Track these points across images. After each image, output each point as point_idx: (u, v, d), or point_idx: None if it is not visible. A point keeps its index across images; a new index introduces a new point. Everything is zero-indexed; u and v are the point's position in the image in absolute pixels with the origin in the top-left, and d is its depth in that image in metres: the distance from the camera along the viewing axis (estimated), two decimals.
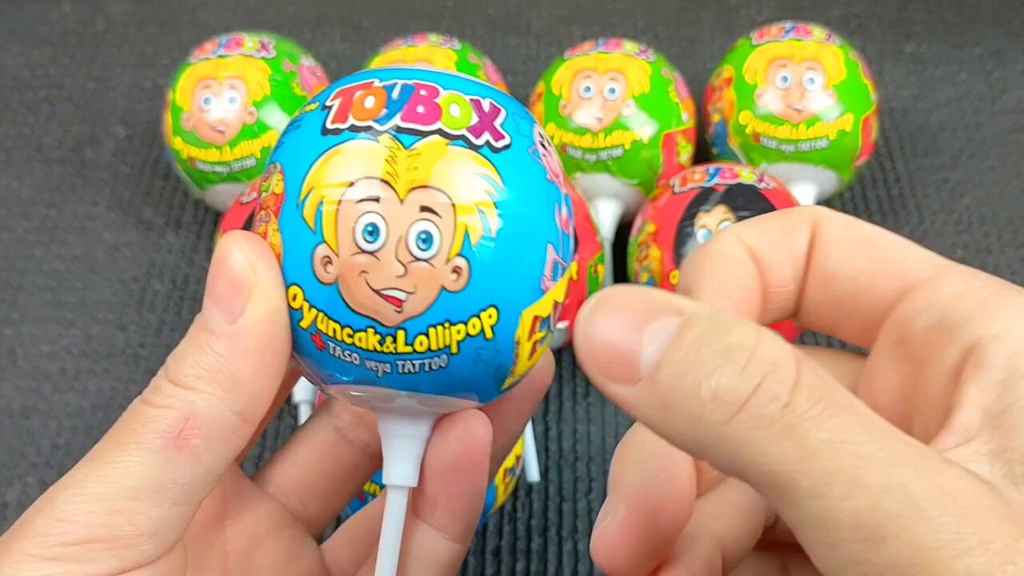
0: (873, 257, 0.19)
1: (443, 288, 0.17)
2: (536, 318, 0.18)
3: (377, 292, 0.17)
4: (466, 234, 0.17)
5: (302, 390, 0.37)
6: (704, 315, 0.15)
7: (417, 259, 0.17)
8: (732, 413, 0.14)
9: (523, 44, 0.53)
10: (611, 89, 0.41)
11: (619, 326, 0.15)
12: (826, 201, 0.45)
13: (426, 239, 0.17)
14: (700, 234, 0.36)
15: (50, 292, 0.43)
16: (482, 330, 0.18)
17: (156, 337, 0.41)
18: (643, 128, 0.41)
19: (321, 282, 0.17)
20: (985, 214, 0.45)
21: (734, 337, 0.14)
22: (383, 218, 0.17)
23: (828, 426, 0.14)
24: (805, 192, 0.42)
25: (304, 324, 0.18)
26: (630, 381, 0.15)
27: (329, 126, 0.18)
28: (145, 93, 0.51)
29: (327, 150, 0.17)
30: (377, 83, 0.18)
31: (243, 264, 0.17)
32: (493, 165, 0.18)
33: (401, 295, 0.17)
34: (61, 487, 0.17)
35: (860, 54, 0.44)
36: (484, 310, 0.18)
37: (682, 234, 0.36)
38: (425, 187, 0.17)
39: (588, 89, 0.41)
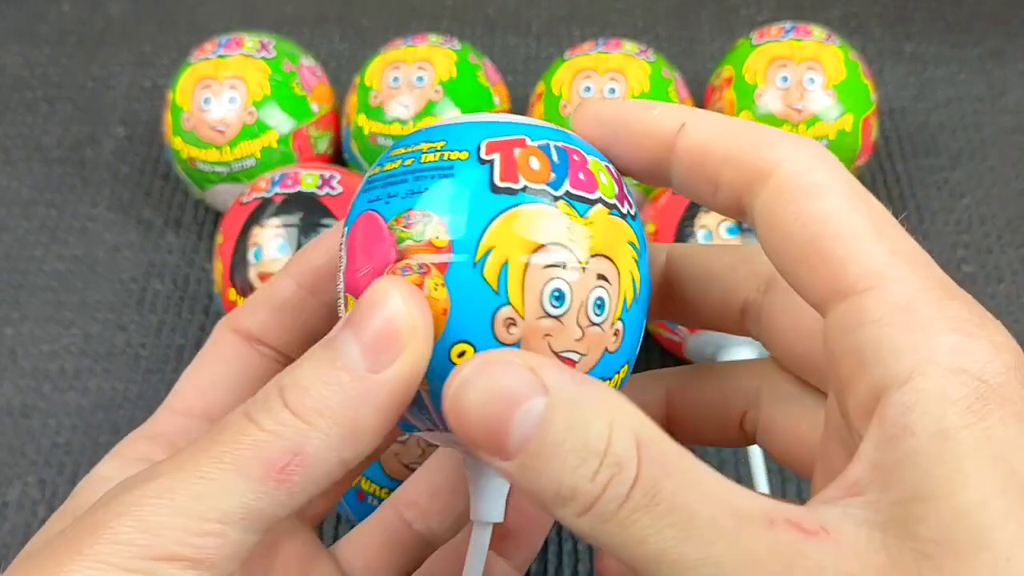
0: (812, 250, 0.17)
1: (605, 350, 0.19)
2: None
3: (557, 354, 0.18)
4: (624, 299, 0.19)
5: None
6: (566, 399, 0.16)
7: (592, 323, 0.18)
8: (583, 510, 0.15)
9: (523, 44, 0.53)
10: (611, 89, 0.41)
11: (488, 407, 0.16)
12: None
13: (600, 305, 0.18)
14: (700, 234, 0.36)
15: (50, 292, 0.43)
16: (618, 384, 0.20)
17: (156, 337, 0.41)
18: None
19: (501, 342, 0.18)
20: (985, 214, 0.45)
21: (591, 435, 0.15)
22: (568, 284, 0.18)
23: (656, 513, 0.15)
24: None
25: None
26: (504, 457, 0.16)
27: (499, 184, 0.18)
28: (145, 93, 0.51)
29: (505, 210, 0.17)
30: (529, 142, 0.18)
31: (404, 317, 0.17)
32: (635, 233, 0.19)
33: (576, 357, 0.18)
34: (149, 494, 0.16)
35: (860, 54, 0.44)
36: (621, 368, 0.19)
37: (682, 234, 0.36)
38: (599, 255, 0.18)
39: (588, 89, 0.41)
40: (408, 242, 0.18)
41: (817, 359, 0.21)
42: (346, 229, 0.19)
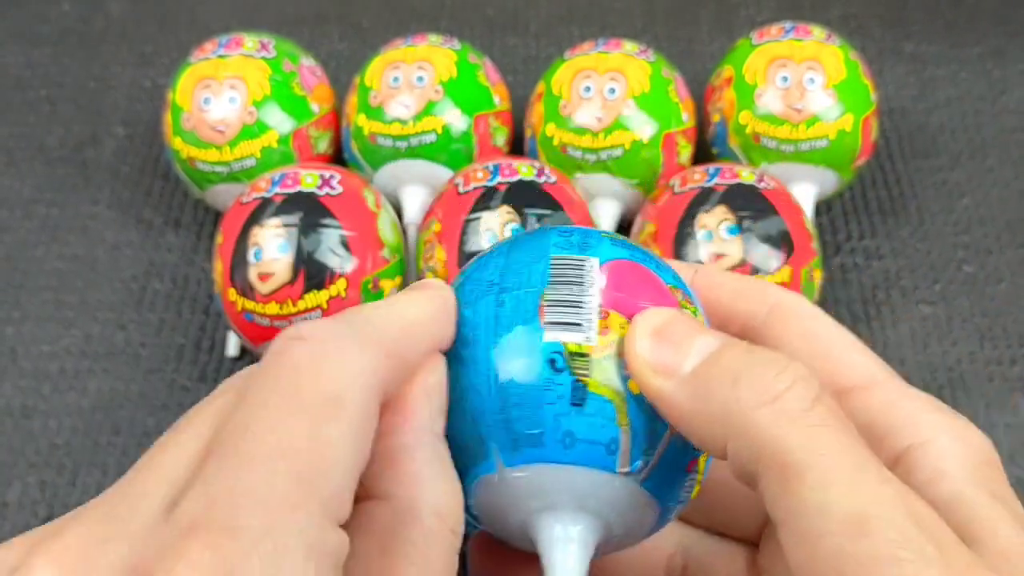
0: (814, 354, 0.21)
1: None
2: None
3: None
4: None
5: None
6: (741, 342, 0.18)
7: None
8: (764, 402, 0.17)
9: (523, 44, 0.53)
10: (611, 89, 0.41)
11: (673, 329, 0.19)
12: (826, 201, 0.45)
13: None
14: (700, 234, 0.36)
15: (51, 292, 0.43)
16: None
17: (156, 337, 0.41)
18: (643, 128, 0.41)
19: None
20: (985, 215, 0.45)
21: (769, 355, 0.17)
22: None
23: (839, 435, 0.16)
24: (805, 192, 0.42)
25: None
26: (670, 376, 0.18)
27: None
28: (145, 93, 0.51)
29: None
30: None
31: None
32: None
33: None
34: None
35: (860, 54, 0.44)
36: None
37: (682, 234, 0.36)
38: None
39: (588, 89, 0.41)
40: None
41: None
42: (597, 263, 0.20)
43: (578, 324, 0.19)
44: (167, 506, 0.15)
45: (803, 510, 0.16)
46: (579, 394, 0.19)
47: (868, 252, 0.44)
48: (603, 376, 0.19)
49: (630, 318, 0.19)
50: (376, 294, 0.36)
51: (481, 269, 0.21)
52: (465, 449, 0.20)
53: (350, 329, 0.18)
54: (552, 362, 0.19)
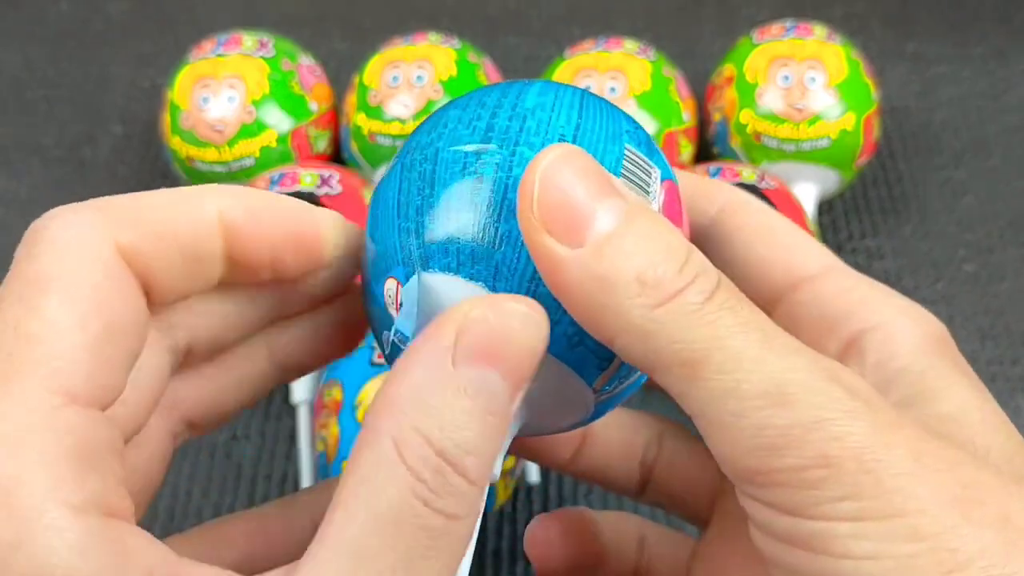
0: (770, 246, 0.21)
1: None
2: None
3: None
4: None
5: (300, 390, 0.36)
6: (647, 209, 0.16)
7: None
8: (664, 299, 0.16)
9: (523, 43, 0.53)
10: (611, 88, 0.41)
11: (579, 186, 0.16)
12: (827, 200, 0.45)
13: None
14: None
15: None
16: None
17: None
18: (644, 127, 0.41)
19: None
20: (987, 213, 0.45)
21: (674, 238, 0.16)
22: None
23: (741, 316, 0.16)
24: (806, 191, 0.41)
25: None
26: (573, 242, 0.16)
27: None
28: (143, 92, 0.51)
29: None
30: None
31: None
32: None
33: None
34: None
35: (862, 53, 0.43)
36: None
37: None
38: None
39: (589, 88, 0.41)
40: None
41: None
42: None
43: None
44: None
45: (713, 397, 0.16)
46: None
47: (870, 251, 0.44)
48: None
49: None
50: None
51: (548, 110, 0.18)
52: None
53: (88, 208, 0.17)
54: None
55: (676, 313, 0.15)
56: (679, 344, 0.15)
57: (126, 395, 0.17)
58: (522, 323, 0.16)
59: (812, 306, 0.20)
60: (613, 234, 0.16)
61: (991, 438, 0.18)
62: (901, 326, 0.19)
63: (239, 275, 0.19)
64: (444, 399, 0.15)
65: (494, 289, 0.17)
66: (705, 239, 0.22)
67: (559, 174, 0.16)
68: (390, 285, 0.18)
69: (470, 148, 0.18)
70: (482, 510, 0.17)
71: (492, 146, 0.18)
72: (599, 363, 0.18)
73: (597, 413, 0.20)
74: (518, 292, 0.17)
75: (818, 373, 0.16)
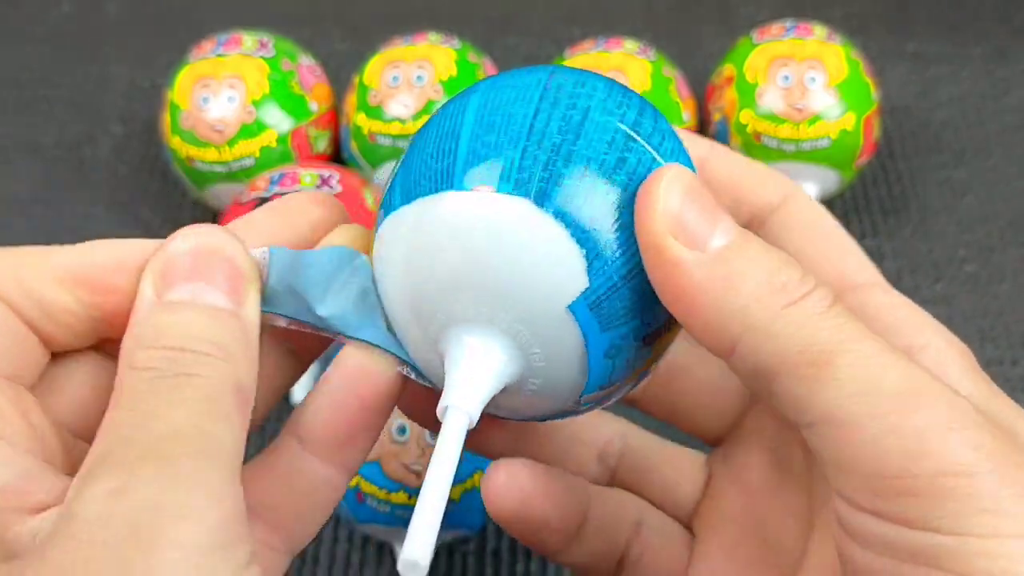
0: (823, 250, 0.21)
1: None
2: None
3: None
4: None
5: (301, 390, 0.36)
6: (756, 236, 0.17)
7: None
8: (793, 301, 0.16)
9: (523, 43, 0.53)
10: None
11: (700, 199, 0.17)
12: (828, 200, 0.45)
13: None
14: None
15: None
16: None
17: None
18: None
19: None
20: (988, 213, 0.45)
21: (788, 256, 0.17)
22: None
23: (862, 327, 0.16)
24: (806, 191, 0.41)
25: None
26: (696, 247, 0.16)
27: None
28: (143, 92, 0.51)
29: None
30: None
31: None
32: None
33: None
34: None
35: (862, 53, 0.43)
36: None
37: None
38: None
39: None
40: None
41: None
42: None
43: None
44: None
45: (847, 396, 0.15)
46: None
47: (870, 251, 0.44)
48: None
49: None
50: None
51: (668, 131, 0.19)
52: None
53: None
54: None
55: (805, 314, 0.16)
56: (809, 343, 0.16)
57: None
58: (203, 238, 0.17)
59: (860, 312, 0.20)
60: (735, 242, 0.17)
61: None
62: (948, 349, 0.19)
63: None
64: (159, 319, 0.17)
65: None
66: (764, 228, 0.22)
67: (682, 184, 0.17)
68: None
69: (623, 127, 0.18)
70: (251, 358, 0.17)
71: (641, 140, 0.18)
72: (607, 383, 0.18)
73: (539, 420, 0.20)
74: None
75: (940, 383, 0.16)
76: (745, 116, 0.41)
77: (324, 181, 0.37)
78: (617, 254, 0.17)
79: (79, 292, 0.18)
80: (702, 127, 0.45)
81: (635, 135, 0.18)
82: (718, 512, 0.23)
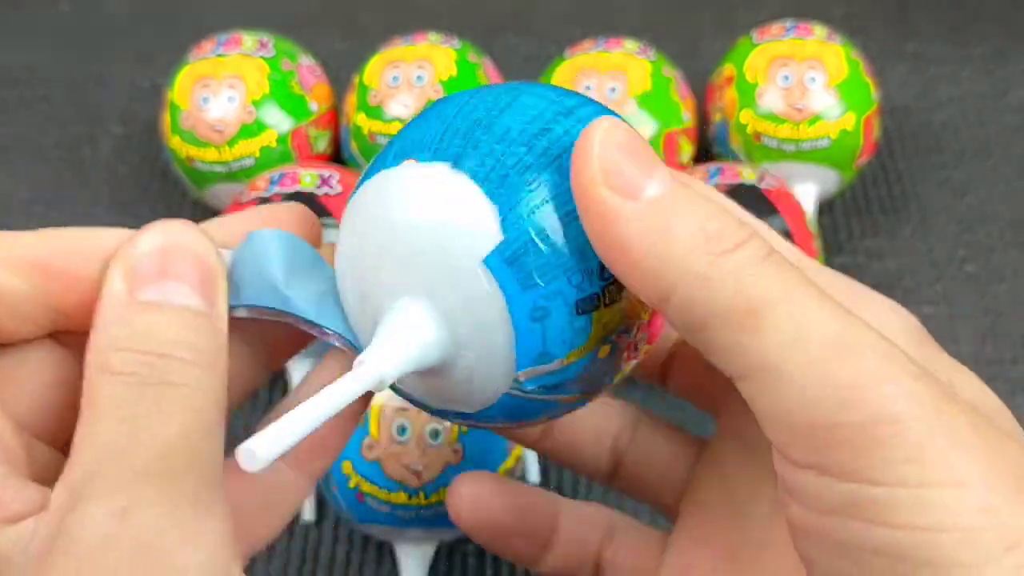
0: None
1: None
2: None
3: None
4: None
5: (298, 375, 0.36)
6: (696, 182, 0.17)
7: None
8: (730, 249, 0.16)
9: (523, 43, 0.53)
10: (612, 88, 0.41)
11: (636, 149, 0.16)
12: (827, 200, 0.45)
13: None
14: None
15: None
16: None
17: None
18: (644, 127, 0.41)
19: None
20: (988, 213, 0.45)
21: (725, 203, 0.17)
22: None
23: (798, 276, 0.16)
24: (806, 191, 0.41)
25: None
26: (630, 196, 0.16)
27: None
28: (143, 92, 0.51)
29: None
30: None
31: None
32: None
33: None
34: None
35: (862, 53, 0.43)
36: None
37: None
38: None
39: (589, 88, 0.41)
40: None
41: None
42: None
43: None
44: None
45: (780, 345, 0.15)
46: None
47: (870, 251, 0.44)
48: None
49: None
50: None
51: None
52: None
53: None
54: None
55: (741, 262, 0.16)
56: (743, 292, 0.15)
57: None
58: (174, 234, 0.17)
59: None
60: (672, 190, 0.16)
61: (1008, 424, 0.18)
62: (887, 315, 0.20)
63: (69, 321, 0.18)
64: (133, 320, 0.16)
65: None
66: None
67: (618, 135, 0.16)
68: None
69: (555, 108, 0.18)
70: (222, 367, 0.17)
71: (573, 119, 0.18)
72: (541, 354, 0.18)
73: (491, 412, 0.19)
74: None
75: (874, 333, 0.16)
76: (745, 116, 0.41)
77: (324, 181, 0.37)
78: (536, 209, 0.17)
79: (35, 278, 0.17)
80: (702, 127, 0.45)
81: (567, 114, 0.18)
82: (697, 499, 0.23)
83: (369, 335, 0.18)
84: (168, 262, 0.17)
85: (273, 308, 0.18)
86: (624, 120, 0.18)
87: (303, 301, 0.18)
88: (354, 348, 0.19)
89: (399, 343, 0.17)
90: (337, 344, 0.19)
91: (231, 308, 0.18)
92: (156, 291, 0.17)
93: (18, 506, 0.16)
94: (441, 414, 0.20)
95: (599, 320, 0.18)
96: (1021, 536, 0.14)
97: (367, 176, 0.19)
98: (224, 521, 0.16)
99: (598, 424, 0.25)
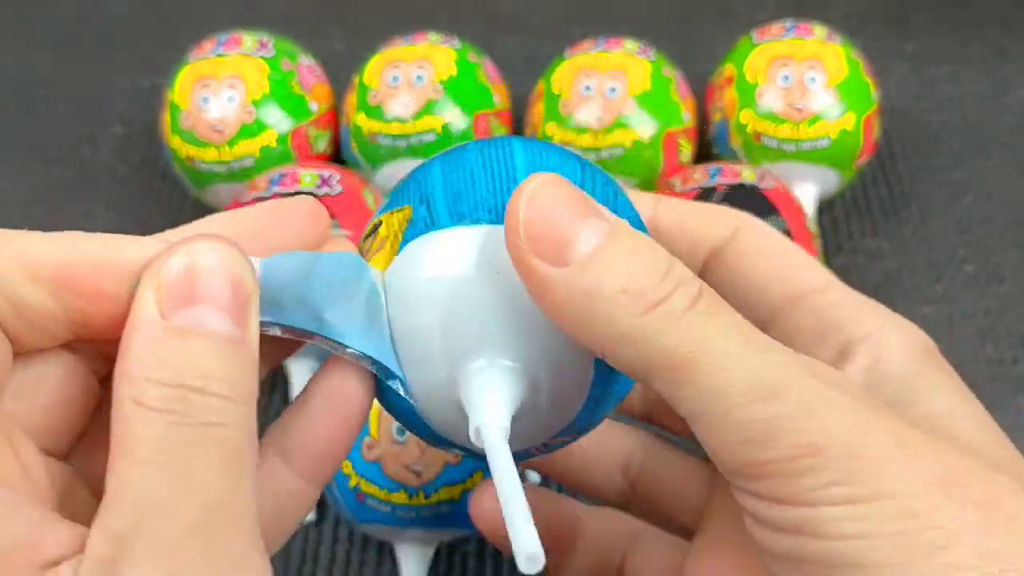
0: (775, 268, 0.22)
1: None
2: None
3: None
4: None
5: (300, 388, 0.36)
6: (627, 227, 0.17)
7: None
8: (649, 307, 0.16)
9: (523, 43, 0.53)
10: (612, 88, 0.41)
11: (562, 209, 0.17)
12: (827, 200, 0.45)
13: None
14: None
15: None
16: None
17: None
18: (644, 127, 0.41)
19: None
20: (987, 213, 0.45)
21: (655, 252, 0.17)
22: None
23: (723, 319, 0.17)
24: (806, 191, 0.41)
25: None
26: (559, 262, 0.16)
27: None
28: (143, 92, 0.51)
29: None
30: None
31: None
32: None
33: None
34: None
35: (862, 53, 0.43)
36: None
37: None
38: None
39: (589, 88, 0.41)
40: None
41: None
42: None
43: None
44: None
45: (702, 396, 0.16)
46: None
47: (870, 251, 0.44)
48: None
49: None
50: None
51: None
52: None
53: None
54: None
55: (661, 319, 0.16)
56: (666, 349, 0.16)
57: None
58: (208, 255, 0.16)
59: (807, 319, 0.21)
60: (596, 251, 0.16)
61: (975, 435, 0.19)
62: (890, 335, 0.20)
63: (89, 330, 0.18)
64: (166, 347, 0.16)
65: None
66: (722, 258, 0.23)
67: (543, 198, 0.17)
68: None
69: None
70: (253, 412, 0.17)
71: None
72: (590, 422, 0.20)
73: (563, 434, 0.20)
74: None
75: (797, 368, 0.16)
76: (745, 116, 0.41)
77: (324, 181, 0.37)
78: None
79: (59, 292, 0.17)
80: (702, 127, 0.45)
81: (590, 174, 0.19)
82: (717, 511, 0.23)
83: (438, 375, 0.18)
84: (202, 283, 0.16)
85: (306, 330, 0.18)
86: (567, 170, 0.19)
87: (340, 325, 0.18)
88: (384, 371, 0.19)
89: (504, 399, 0.18)
90: (366, 367, 0.19)
91: (263, 325, 0.18)
92: (189, 316, 0.16)
93: (55, 551, 0.15)
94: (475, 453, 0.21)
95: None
96: (951, 536, 0.15)
97: (415, 233, 0.19)
98: (268, 574, 0.16)
99: (606, 448, 0.25)
